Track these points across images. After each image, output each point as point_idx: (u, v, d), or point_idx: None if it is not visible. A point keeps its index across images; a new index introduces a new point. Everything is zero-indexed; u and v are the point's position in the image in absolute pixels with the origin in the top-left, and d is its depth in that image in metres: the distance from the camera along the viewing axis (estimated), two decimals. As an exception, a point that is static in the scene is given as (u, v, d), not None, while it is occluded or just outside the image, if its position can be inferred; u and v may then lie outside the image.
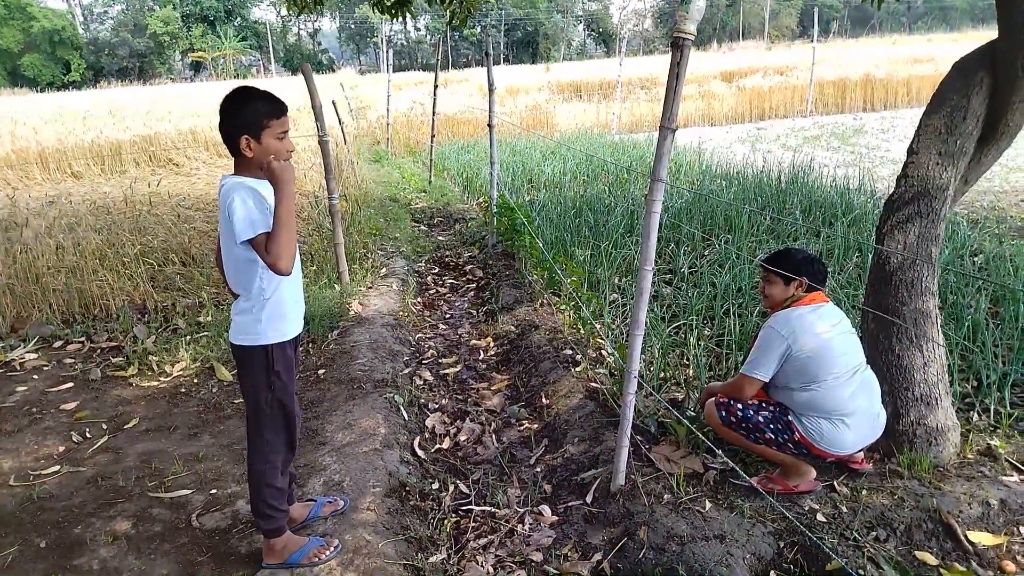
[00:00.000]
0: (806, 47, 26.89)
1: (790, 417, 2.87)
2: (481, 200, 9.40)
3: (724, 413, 2.97)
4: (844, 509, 2.78)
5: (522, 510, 3.12)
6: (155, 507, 3.15)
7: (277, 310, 2.48)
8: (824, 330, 2.80)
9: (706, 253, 5.96)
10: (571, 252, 5.95)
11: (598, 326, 4.48)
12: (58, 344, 5.03)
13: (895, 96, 18.59)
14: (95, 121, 14.99)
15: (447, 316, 5.82)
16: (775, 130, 15.26)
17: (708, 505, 2.86)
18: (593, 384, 3.95)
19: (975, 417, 3.35)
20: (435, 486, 3.32)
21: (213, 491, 3.25)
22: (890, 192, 3.11)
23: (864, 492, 2.86)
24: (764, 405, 2.94)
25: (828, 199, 7.02)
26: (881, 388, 2.97)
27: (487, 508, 3.16)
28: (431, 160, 11.06)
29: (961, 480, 2.89)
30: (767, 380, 2.88)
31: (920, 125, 3.01)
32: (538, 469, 3.44)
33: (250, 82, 36.55)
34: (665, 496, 2.92)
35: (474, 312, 5.82)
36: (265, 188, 2.39)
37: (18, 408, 4.13)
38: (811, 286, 2.90)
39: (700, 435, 3.07)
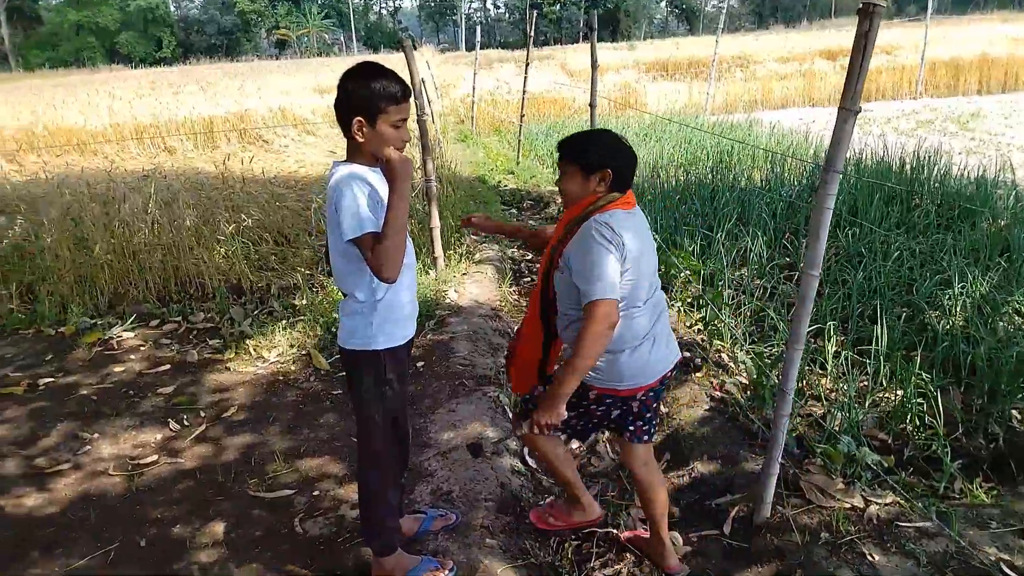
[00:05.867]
0: (910, 26, 25.30)
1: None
2: (573, 183, 9.03)
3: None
4: (1044, 563, 2.36)
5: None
6: (255, 508, 2.98)
7: (390, 314, 2.23)
8: (643, 238, 2.28)
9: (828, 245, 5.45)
10: (678, 242, 5.55)
11: (720, 326, 4.10)
12: (154, 323, 4.98)
13: (1015, 78, 17.15)
14: (187, 97, 15.29)
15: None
16: (883, 112, 14.26)
17: (873, 548, 2.48)
18: (718, 393, 3.58)
19: None
20: (549, 499, 3.04)
21: (315, 492, 3.06)
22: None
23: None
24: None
25: (962, 190, 6.38)
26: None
27: (610, 531, 2.86)
28: (519, 140, 10.75)
29: None
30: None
31: None
32: (662, 487, 3.11)
33: (332, 61, 36.92)
34: (822, 534, 2.55)
35: (573, 304, 5.49)
36: (380, 180, 2.14)
37: (116, 390, 4.05)
38: (616, 187, 2.27)
39: (862, 463, 2.68)
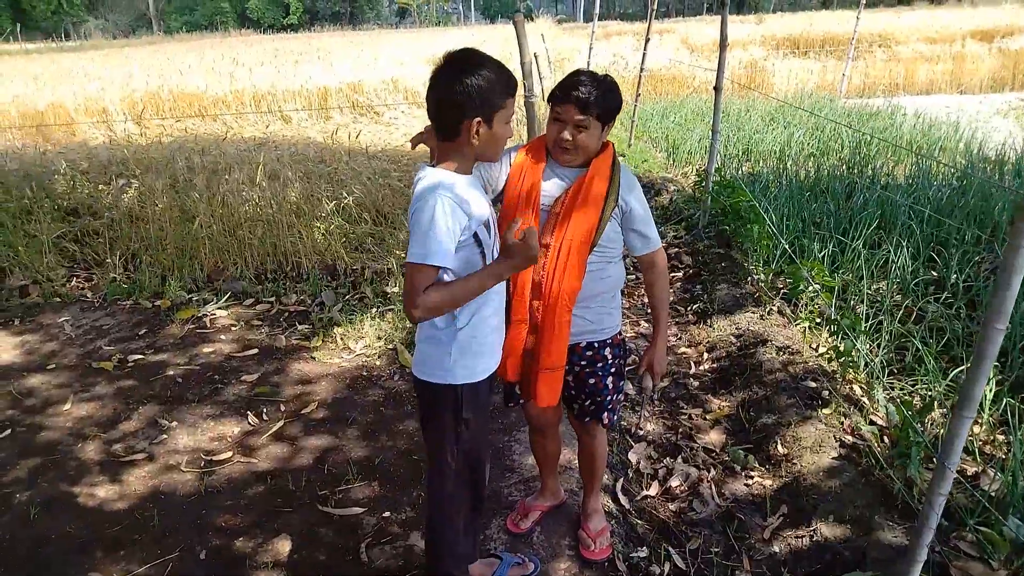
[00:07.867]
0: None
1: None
2: (688, 170, 8.45)
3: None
4: None
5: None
6: (323, 526, 2.77)
7: (472, 344, 1.93)
8: None
9: (980, 260, 4.73)
10: (806, 247, 4.96)
11: (855, 355, 3.56)
12: (248, 302, 4.90)
13: None
14: (306, 66, 15.48)
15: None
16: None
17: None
18: (850, 438, 3.08)
19: None
20: (643, 553, 2.67)
21: (386, 514, 2.82)
22: None
23: None
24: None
25: None
26: None
27: (711, 600, 2.47)
28: (632, 121, 10.18)
29: None
30: None
31: None
32: (776, 548, 2.68)
33: (450, 29, 36.78)
34: (979, 644, 2.08)
35: (681, 309, 5.04)
36: (475, 194, 1.83)
37: (202, 373, 3.97)
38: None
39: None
